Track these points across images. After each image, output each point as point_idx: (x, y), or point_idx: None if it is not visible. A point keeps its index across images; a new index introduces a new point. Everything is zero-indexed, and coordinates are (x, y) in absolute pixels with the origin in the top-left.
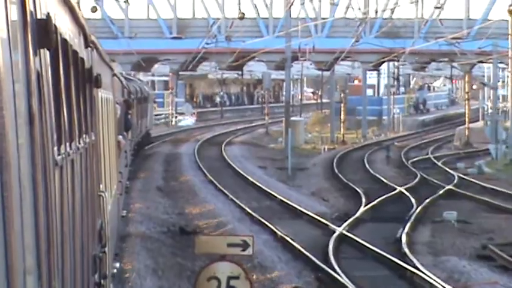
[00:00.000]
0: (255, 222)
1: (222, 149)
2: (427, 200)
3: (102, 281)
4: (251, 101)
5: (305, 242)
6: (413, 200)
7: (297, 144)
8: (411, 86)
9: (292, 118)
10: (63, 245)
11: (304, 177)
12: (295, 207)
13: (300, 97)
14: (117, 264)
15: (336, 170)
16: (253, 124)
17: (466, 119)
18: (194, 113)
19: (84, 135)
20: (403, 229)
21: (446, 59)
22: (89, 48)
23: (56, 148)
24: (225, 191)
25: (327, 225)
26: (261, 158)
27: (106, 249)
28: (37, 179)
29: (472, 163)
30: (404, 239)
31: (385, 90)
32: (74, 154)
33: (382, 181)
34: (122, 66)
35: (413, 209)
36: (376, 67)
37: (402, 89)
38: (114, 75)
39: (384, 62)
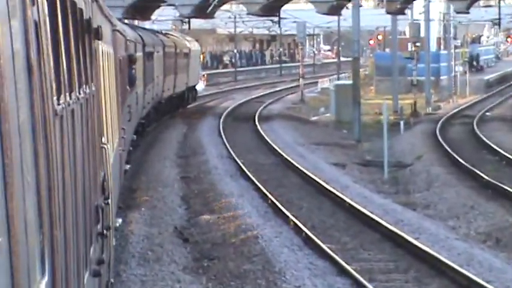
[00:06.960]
0: None
1: (259, 129)
2: None
3: (105, 232)
4: (263, 61)
5: None
6: None
7: (351, 116)
8: (457, 39)
9: (340, 82)
10: (64, 195)
11: (420, 184)
12: None
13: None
14: (120, 220)
15: (485, 176)
16: (277, 89)
17: None
18: (204, 76)
19: (84, 86)
20: None
21: None
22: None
23: (55, 98)
24: (326, 249)
25: None
26: (320, 144)
27: (109, 201)
28: (37, 128)
29: None
30: None
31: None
32: (75, 104)
33: None
34: (111, 11)
35: None
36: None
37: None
38: (116, 30)
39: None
